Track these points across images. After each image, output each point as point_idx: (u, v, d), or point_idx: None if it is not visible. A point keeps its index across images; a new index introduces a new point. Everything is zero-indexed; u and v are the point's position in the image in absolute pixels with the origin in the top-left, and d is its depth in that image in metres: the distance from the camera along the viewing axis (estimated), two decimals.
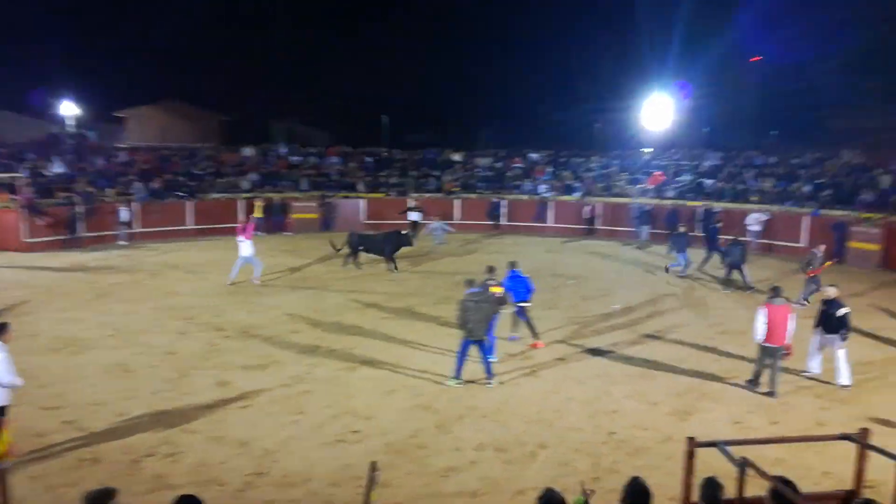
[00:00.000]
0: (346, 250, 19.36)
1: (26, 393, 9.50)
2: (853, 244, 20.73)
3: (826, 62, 40.78)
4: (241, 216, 25.94)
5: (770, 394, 9.78)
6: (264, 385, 10.00)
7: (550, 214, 27.79)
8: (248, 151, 31.19)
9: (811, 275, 15.27)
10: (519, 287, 11.98)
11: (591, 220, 27.02)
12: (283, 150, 32.01)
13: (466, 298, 9.97)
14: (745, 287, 16.75)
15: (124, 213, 23.45)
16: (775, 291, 10.10)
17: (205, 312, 14.14)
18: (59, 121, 34.29)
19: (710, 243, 19.69)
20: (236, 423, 8.68)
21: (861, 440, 4.76)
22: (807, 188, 25.09)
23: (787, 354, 9.85)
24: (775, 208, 24.36)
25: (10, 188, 22.85)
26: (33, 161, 25.52)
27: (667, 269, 18.93)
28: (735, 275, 17.07)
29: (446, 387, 9.99)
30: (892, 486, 4.89)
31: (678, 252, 18.35)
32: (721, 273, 17.70)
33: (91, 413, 8.91)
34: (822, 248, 16.01)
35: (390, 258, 19.06)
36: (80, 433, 8.31)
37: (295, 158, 31.27)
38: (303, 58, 49.30)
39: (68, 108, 33.92)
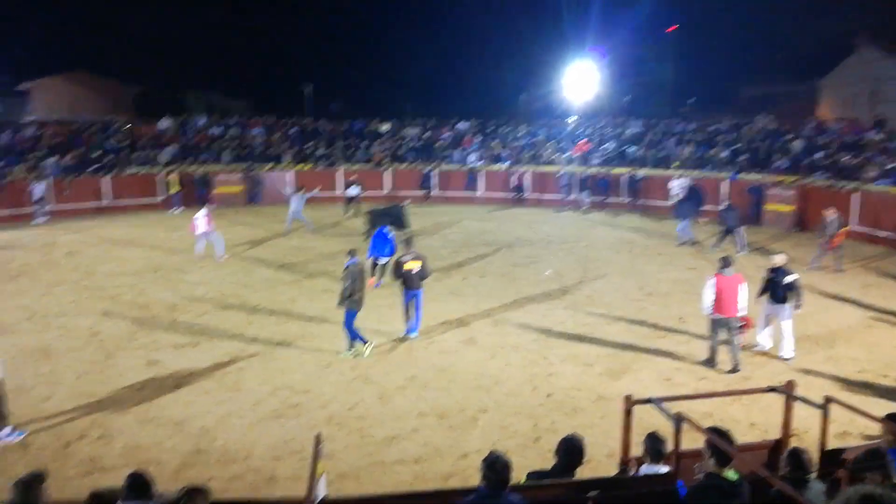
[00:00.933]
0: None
1: None
2: (769, 206, 21.76)
3: (739, 32, 42.30)
4: (160, 190, 25.07)
5: (733, 371, 9.39)
6: (197, 363, 9.74)
7: (480, 184, 27.93)
8: (165, 123, 29.89)
9: (834, 246, 15.15)
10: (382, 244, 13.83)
11: (519, 189, 27.28)
12: (201, 121, 30.84)
13: (352, 268, 9.99)
14: (740, 249, 17.09)
15: (38, 190, 22.17)
16: (725, 261, 9.65)
17: (128, 291, 13.60)
18: None
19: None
20: (170, 403, 8.44)
21: (787, 391, 5.02)
22: (725, 153, 26.07)
23: (745, 327, 9.52)
24: (696, 173, 25.25)
25: None
26: None
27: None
28: (728, 240, 17.43)
29: (348, 358, 10.05)
30: (817, 434, 5.19)
31: (732, 225, 17.54)
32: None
33: (14, 399, 8.44)
34: (832, 211, 15.60)
35: None
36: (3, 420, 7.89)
37: (215, 130, 30.20)
38: (217, 24, 47.49)
39: None
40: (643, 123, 30.60)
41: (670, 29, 48.54)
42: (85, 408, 8.26)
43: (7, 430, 7.45)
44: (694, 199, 21.36)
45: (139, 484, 4.03)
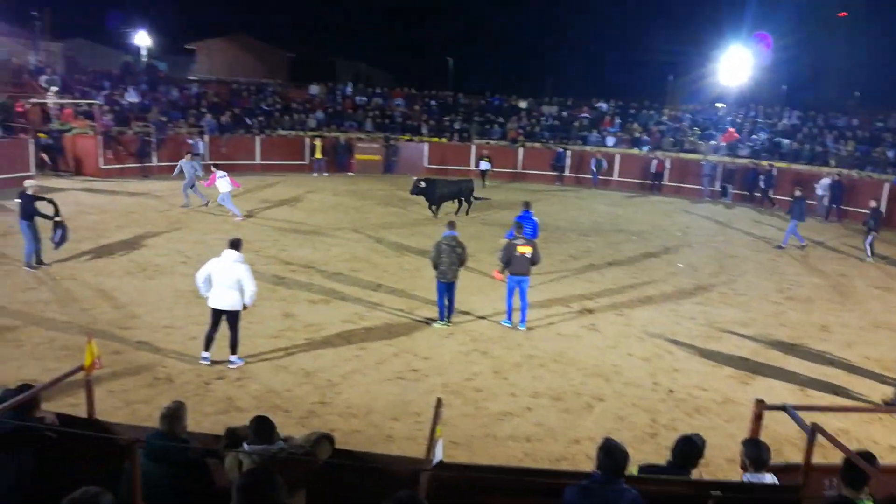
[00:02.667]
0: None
1: (104, 312, 10.05)
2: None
3: None
4: (306, 153, 26.38)
5: None
6: (328, 319, 10.27)
7: (615, 168, 27.18)
8: (315, 89, 31.32)
9: None
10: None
11: (658, 176, 26.21)
12: (348, 90, 32.01)
13: (441, 241, 10.15)
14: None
15: (199, 146, 24.00)
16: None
17: (271, 247, 14.51)
18: (133, 51, 34.99)
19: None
20: (301, 354, 8.97)
21: None
22: (890, 153, 23.82)
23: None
24: (854, 173, 23.28)
25: (89, 115, 23.61)
26: (109, 90, 26.22)
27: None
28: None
29: (436, 327, 10.24)
30: None
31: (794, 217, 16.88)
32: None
33: (165, 335, 9.34)
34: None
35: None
36: (154, 354, 8.73)
37: (360, 99, 31.27)
38: None
39: (142, 39, 34.52)
40: (800, 116, 28.50)
41: (841, 14, 44.56)
42: (226, 350, 8.94)
43: (234, 357, 8.51)
44: (834, 197, 21.22)
45: (263, 428, 4.29)
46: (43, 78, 25.26)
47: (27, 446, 4.27)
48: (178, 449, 4.28)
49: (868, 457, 3.86)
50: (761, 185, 23.81)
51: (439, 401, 4.80)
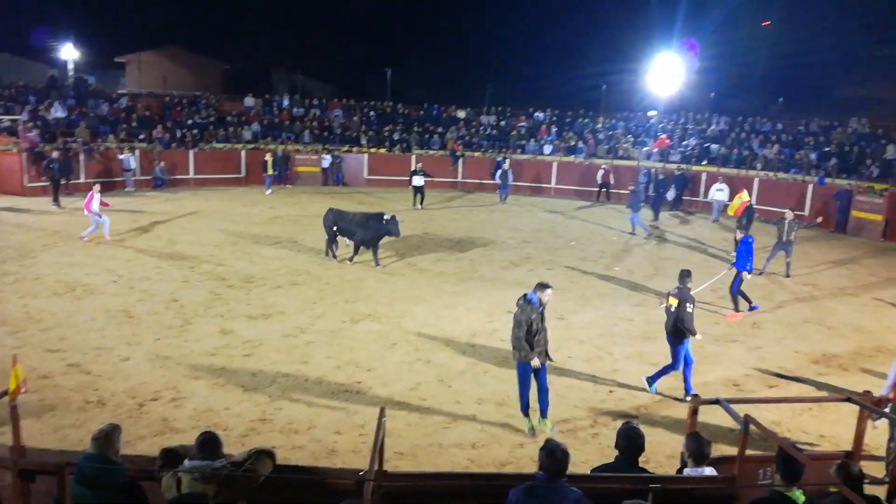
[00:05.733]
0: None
1: (31, 335, 9.63)
2: (856, 214, 20.73)
3: (835, 30, 40.21)
4: (243, 166, 25.93)
5: None
6: (268, 335, 10.08)
7: (553, 176, 27.56)
8: (250, 101, 30.84)
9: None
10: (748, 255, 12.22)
11: (605, 185, 25.75)
12: (285, 101, 31.64)
13: (527, 308, 7.37)
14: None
15: (130, 161, 23.38)
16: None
17: (207, 262, 14.17)
18: (60, 64, 33.82)
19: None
20: (240, 371, 8.77)
21: (863, 402, 4.81)
22: (812, 156, 24.97)
23: None
24: (780, 175, 24.33)
25: (12, 131, 22.63)
26: (34, 104, 25.22)
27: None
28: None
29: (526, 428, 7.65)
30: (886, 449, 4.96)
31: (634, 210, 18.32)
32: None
33: (95, 357, 8.99)
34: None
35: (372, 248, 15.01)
36: (84, 376, 8.40)
37: (297, 110, 30.95)
38: (306, 7, 48.43)
39: (69, 52, 33.42)
40: (728, 121, 29.58)
41: (765, 24, 46.58)
42: (161, 370, 8.68)
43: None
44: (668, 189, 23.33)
45: (210, 443, 4.19)
46: None
47: None
48: (111, 472, 4.12)
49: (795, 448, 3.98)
50: (686, 189, 24.73)
51: (382, 409, 4.76)
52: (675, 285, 8.84)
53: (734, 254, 13.07)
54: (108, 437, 4.26)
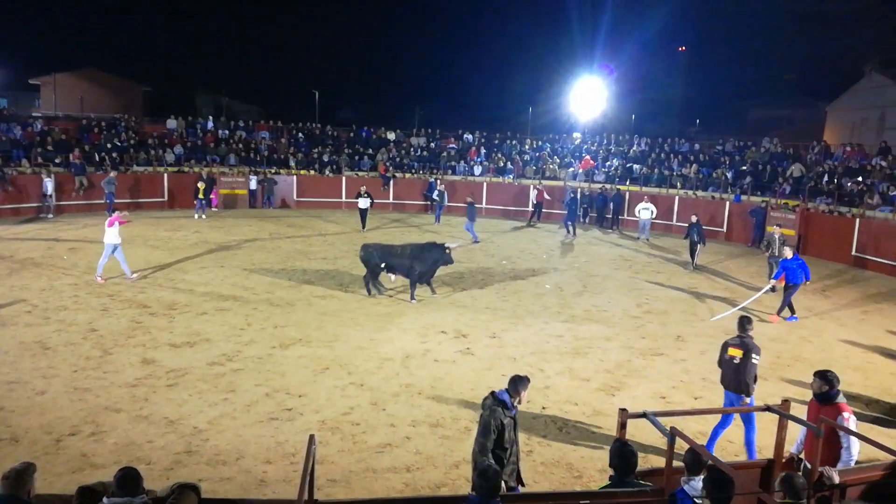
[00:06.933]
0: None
1: None
2: (770, 229, 21.72)
3: (747, 54, 42.53)
4: (166, 190, 25.18)
5: None
6: (192, 363, 9.73)
7: (483, 196, 27.92)
8: (173, 124, 30.06)
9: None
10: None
11: (538, 205, 26.07)
12: (209, 123, 30.97)
13: (492, 409, 5.59)
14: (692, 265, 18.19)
15: (48, 185, 22.39)
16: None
17: (127, 289, 13.63)
18: None
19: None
20: (163, 402, 8.42)
21: (782, 411, 5.01)
22: (728, 174, 26.15)
23: None
24: (699, 193, 25.38)
25: None
26: None
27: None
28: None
29: None
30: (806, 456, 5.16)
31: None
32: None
33: (8, 391, 8.47)
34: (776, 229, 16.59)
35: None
36: None
37: (223, 132, 30.34)
38: (230, 29, 47.82)
39: None
40: (648, 142, 30.69)
41: (681, 48, 48.76)
42: (79, 403, 8.25)
43: None
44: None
45: (129, 479, 4.01)
46: None
47: None
48: None
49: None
50: (610, 208, 25.50)
51: (311, 438, 4.65)
52: (734, 335, 7.77)
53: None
54: (19, 476, 4.02)
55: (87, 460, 6.96)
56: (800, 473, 4.44)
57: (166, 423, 7.85)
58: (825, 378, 5.71)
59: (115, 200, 22.70)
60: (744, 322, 7.72)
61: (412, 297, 13.56)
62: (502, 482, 3.90)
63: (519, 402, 5.71)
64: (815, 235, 20.96)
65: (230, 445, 7.40)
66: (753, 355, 7.38)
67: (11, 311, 11.81)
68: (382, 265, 13.80)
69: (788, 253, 13.50)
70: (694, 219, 18.44)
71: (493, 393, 5.75)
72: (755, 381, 7.38)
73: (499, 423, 5.51)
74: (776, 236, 15.99)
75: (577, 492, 4.41)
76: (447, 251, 13.71)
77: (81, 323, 11.35)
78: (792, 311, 13.50)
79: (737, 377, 7.43)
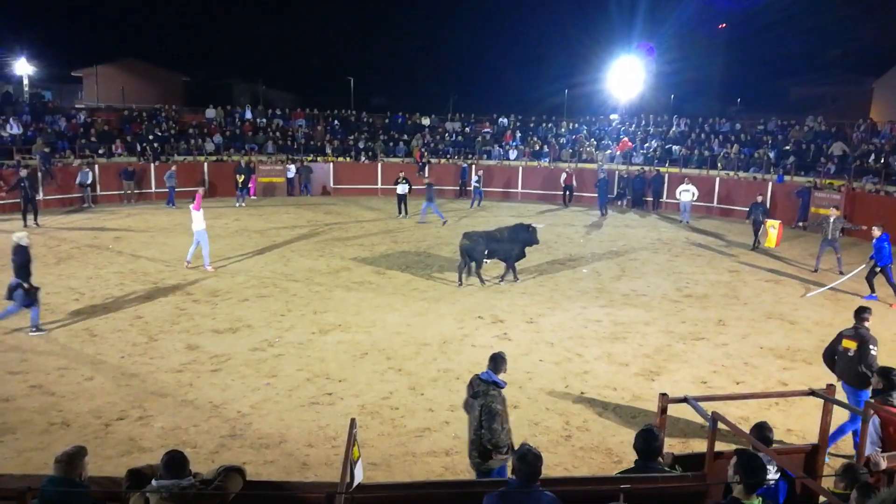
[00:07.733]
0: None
1: None
2: (815, 210, 21.24)
3: (789, 31, 41.32)
4: (206, 178, 25.58)
5: None
6: (235, 349, 9.94)
7: (519, 181, 27.77)
8: (212, 113, 30.50)
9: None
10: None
11: (568, 188, 26.17)
12: (247, 112, 31.34)
13: (494, 396, 5.69)
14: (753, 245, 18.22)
15: (85, 176, 22.92)
16: None
17: (171, 277, 13.94)
18: (14, 80, 33.09)
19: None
20: (207, 387, 8.62)
21: (827, 395, 4.91)
22: (771, 154, 25.53)
23: None
24: (741, 174, 24.85)
25: None
26: None
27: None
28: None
29: None
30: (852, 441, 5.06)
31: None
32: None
33: (58, 377, 8.77)
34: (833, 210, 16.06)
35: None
36: (48, 397, 8.18)
37: (260, 121, 30.68)
38: (266, 17, 48.18)
39: (23, 67, 32.70)
40: (687, 123, 30.11)
41: (721, 26, 47.59)
42: (126, 388, 8.49)
43: None
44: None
45: (176, 462, 4.11)
46: None
47: None
48: (76, 494, 4.01)
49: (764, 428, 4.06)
50: (647, 189, 25.21)
51: (353, 422, 4.72)
52: (850, 325, 7.43)
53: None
54: (71, 459, 4.15)
55: (135, 444, 7.17)
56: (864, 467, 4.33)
57: (211, 408, 8.03)
58: (884, 376, 5.64)
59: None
60: (861, 312, 7.39)
61: (515, 278, 14.03)
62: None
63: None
64: (861, 216, 20.36)
65: (273, 429, 7.55)
66: (871, 346, 7.06)
67: (60, 300, 12.18)
68: (486, 252, 13.80)
69: (877, 232, 13.16)
70: (759, 199, 18.93)
71: (478, 377, 5.82)
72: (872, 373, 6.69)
73: (504, 405, 5.65)
74: (831, 219, 15.28)
75: (616, 476, 4.40)
76: (533, 231, 14.02)
77: (128, 310, 11.66)
78: (872, 289, 13.29)
79: (852, 369, 7.10)
